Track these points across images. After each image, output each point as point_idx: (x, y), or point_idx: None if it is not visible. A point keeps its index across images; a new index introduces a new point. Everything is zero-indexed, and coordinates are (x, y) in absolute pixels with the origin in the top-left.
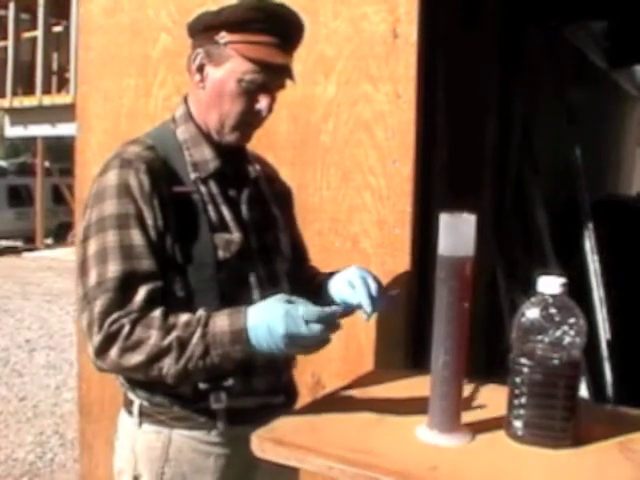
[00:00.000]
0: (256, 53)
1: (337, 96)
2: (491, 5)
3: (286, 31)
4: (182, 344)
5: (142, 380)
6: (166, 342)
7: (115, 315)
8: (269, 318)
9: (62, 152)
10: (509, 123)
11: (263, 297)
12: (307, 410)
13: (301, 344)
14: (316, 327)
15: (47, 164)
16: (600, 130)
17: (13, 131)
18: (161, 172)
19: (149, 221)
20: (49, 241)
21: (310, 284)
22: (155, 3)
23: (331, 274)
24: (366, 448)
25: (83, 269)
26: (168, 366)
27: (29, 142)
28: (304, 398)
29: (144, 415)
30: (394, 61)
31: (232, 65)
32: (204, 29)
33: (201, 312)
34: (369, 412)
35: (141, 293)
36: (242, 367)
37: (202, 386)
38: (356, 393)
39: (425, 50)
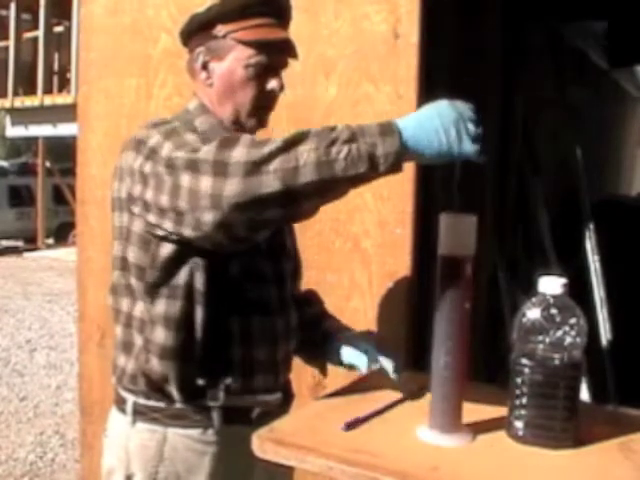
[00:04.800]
0: (255, 35)
1: (338, 97)
2: (492, 5)
3: (278, 9)
4: (322, 131)
5: (138, 373)
6: (305, 130)
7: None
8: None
9: (63, 152)
10: (510, 123)
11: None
12: (308, 410)
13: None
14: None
15: (48, 164)
16: (601, 130)
17: (14, 131)
18: None
19: None
20: (50, 241)
21: (314, 327)
22: (156, 3)
23: (339, 328)
24: (367, 448)
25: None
26: (308, 152)
27: (30, 142)
28: (305, 398)
29: (138, 413)
30: (395, 61)
31: (235, 54)
32: (199, 28)
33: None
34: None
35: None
36: (242, 366)
37: (200, 383)
38: (357, 393)
39: (426, 50)
